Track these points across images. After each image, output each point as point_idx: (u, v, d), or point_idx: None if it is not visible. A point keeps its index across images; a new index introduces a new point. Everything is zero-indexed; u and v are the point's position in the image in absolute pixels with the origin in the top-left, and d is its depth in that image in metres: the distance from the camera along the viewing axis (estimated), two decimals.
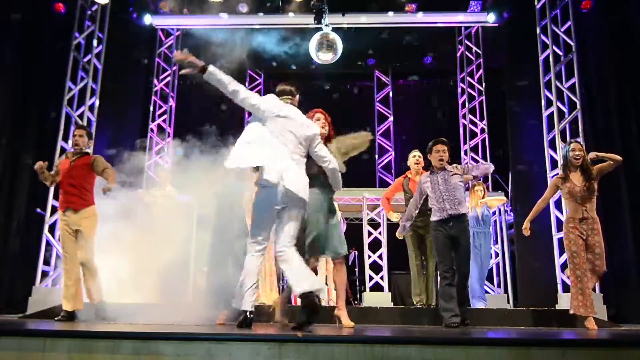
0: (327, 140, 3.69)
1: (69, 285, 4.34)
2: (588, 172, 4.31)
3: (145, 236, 5.71)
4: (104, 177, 4.44)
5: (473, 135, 9.19)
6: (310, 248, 3.51)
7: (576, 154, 4.34)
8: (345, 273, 3.82)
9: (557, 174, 6.42)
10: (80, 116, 6.95)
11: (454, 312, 4.10)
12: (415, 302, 5.47)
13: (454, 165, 4.56)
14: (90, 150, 4.73)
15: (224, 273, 4.20)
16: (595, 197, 4.30)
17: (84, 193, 4.43)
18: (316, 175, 3.48)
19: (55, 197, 6.53)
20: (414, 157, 5.66)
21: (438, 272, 4.57)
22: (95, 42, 7.22)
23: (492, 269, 7.60)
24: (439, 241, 4.32)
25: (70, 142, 6.58)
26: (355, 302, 7.23)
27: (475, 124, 9.20)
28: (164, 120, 9.29)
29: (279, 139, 3.17)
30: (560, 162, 6.42)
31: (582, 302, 4.17)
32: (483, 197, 6.29)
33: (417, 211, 4.67)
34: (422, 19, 8.43)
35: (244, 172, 4.41)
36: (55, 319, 4.39)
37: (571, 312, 4.25)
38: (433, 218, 4.40)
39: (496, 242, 7.77)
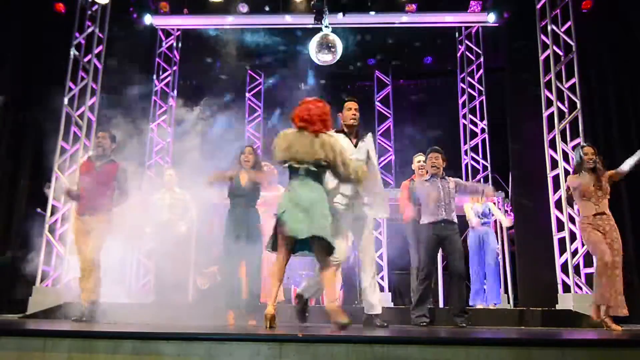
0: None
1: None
2: (599, 175, 4.41)
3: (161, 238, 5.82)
4: (117, 190, 4.56)
5: (473, 135, 9.19)
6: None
7: (589, 158, 4.43)
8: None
9: (557, 174, 6.45)
10: (81, 116, 6.94)
11: (423, 313, 4.45)
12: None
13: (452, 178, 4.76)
14: (115, 157, 4.70)
15: (234, 276, 4.23)
16: (607, 197, 4.39)
17: (104, 199, 4.45)
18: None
19: (55, 197, 6.55)
20: (419, 162, 5.59)
21: (419, 273, 4.64)
22: (95, 42, 7.23)
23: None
24: (428, 243, 4.50)
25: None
26: (356, 302, 7.23)
27: (475, 124, 9.20)
28: (164, 120, 9.29)
29: None
30: (561, 163, 6.42)
31: (614, 296, 4.13)
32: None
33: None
34: (422, 19, 8.42)
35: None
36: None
37: (595, 302, 4.22)
38: (425, 220, 4.58)
39: (496, 242, 7.76)
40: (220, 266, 4.44)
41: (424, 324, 4.38)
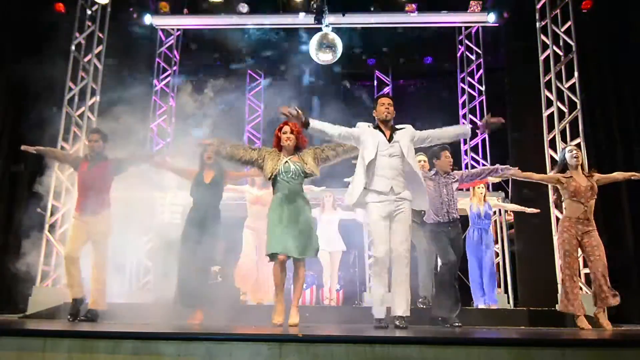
0: (296, 149, 3.89)
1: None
2: (589, 174, 4.39)
3: None
4: (136, 163, 4.64)
5: (473, 135, 9.17)
6: None
7: (574, 154, 4.43)
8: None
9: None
10: (80, 116, 6.95)
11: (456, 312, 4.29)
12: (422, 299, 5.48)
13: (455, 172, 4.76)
14: (107, 154, 4.67)
15: (195, 273, 4.22)
16: (595, 199, 4.33)
17: (101, 197, 4.43)
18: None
19: (55, 198, 6.55)
20: (420, 162, 5.40)
21: (439, 271, 4.65)
22: (95, 42, 7.22)
23: None
24: (442, 241, 4.45)
25: (70, 143, 6.57)
26: (355, 302, 7.24)
27: (475, 124, 9.19)
28: (164, 120, 9.28)
29: None
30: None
31: (571, 301, 4.21)
32: (484, 197, 6.33)
33: None
34: (422, 19, 8.42)
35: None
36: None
37: (559, 309, 4.30)
38: (431, 219, 4.53)
39: (496, 242, 7.76)
40: (179, 264, 4.40)
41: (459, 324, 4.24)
